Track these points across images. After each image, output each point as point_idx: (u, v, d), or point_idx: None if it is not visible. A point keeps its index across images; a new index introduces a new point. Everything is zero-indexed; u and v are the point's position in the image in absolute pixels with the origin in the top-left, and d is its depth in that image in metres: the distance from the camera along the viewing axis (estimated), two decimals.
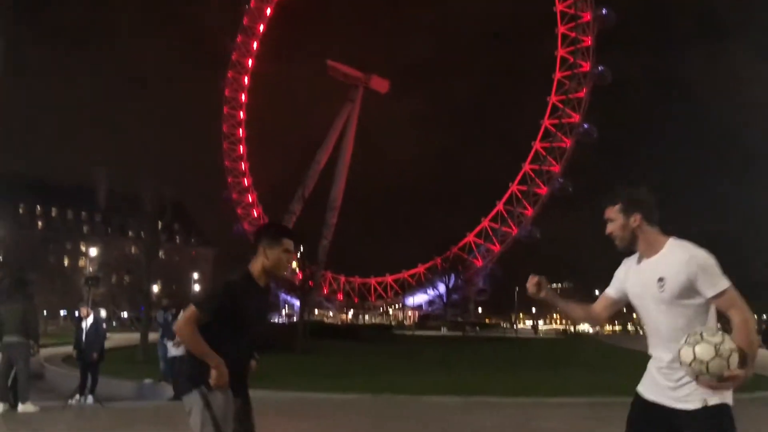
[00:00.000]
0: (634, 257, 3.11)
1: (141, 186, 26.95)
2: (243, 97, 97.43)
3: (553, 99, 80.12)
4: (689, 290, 2.83)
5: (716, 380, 2.64)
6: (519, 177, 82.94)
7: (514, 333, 74.37)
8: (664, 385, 2.89)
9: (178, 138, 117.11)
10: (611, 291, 3.24)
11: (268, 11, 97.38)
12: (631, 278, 3.09)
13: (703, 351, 2.63)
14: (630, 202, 3.02)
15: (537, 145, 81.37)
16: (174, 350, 11.59)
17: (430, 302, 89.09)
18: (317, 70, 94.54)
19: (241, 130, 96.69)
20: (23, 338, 9.16)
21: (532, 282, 3.25)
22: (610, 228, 3.07)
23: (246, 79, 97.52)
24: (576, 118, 78.93)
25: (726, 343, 2.64)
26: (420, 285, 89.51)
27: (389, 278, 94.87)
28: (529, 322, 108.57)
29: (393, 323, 72.94)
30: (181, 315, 3.45)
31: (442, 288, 74.64)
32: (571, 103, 79.15)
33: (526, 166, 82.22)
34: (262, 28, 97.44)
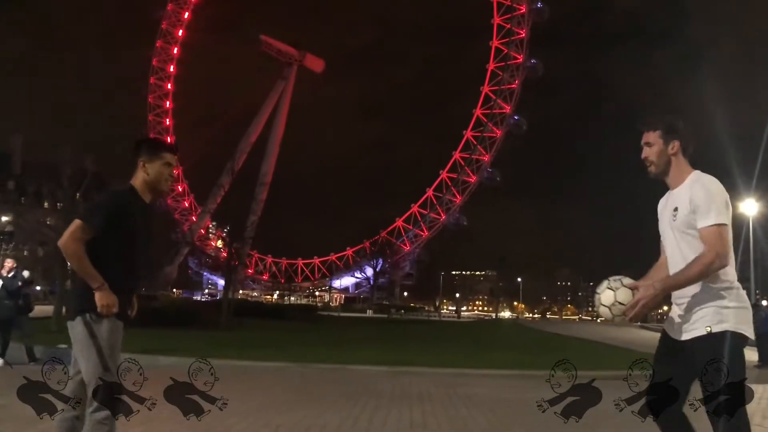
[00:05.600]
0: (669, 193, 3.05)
1: (59, 155, 25.53)
2: (171, 68, 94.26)
3: (486, 89, 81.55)
4: (692, 219, 2.79)
5: (620, 319, 2.79)
6: (449, 165, 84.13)
7: (437, 317, 75.64)
8: (677, 315, 2.87)
9: (102, 108, 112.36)
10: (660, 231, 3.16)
11: None
12: (661, 211, 3.05)
13: (614, 297, 2.80)
14: (671, 129, 2.96)
15: (468, 133, 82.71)
16: None
17: (357, 285, 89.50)
18: (251, 44, 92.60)
19: (168, 102, 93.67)
20: None
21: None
22: (647, 153, 3.00)
23: (175, 50, 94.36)
24: (507, 109, 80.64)
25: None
26: (348, 268, 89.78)
27: (317, 260, 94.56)
28: (452, 307, 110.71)
29: (319, 305, 72.78)
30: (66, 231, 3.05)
31: (369, 271, 74.97)
32: (503, 94, 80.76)
33: (457, 155, 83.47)
34: None
